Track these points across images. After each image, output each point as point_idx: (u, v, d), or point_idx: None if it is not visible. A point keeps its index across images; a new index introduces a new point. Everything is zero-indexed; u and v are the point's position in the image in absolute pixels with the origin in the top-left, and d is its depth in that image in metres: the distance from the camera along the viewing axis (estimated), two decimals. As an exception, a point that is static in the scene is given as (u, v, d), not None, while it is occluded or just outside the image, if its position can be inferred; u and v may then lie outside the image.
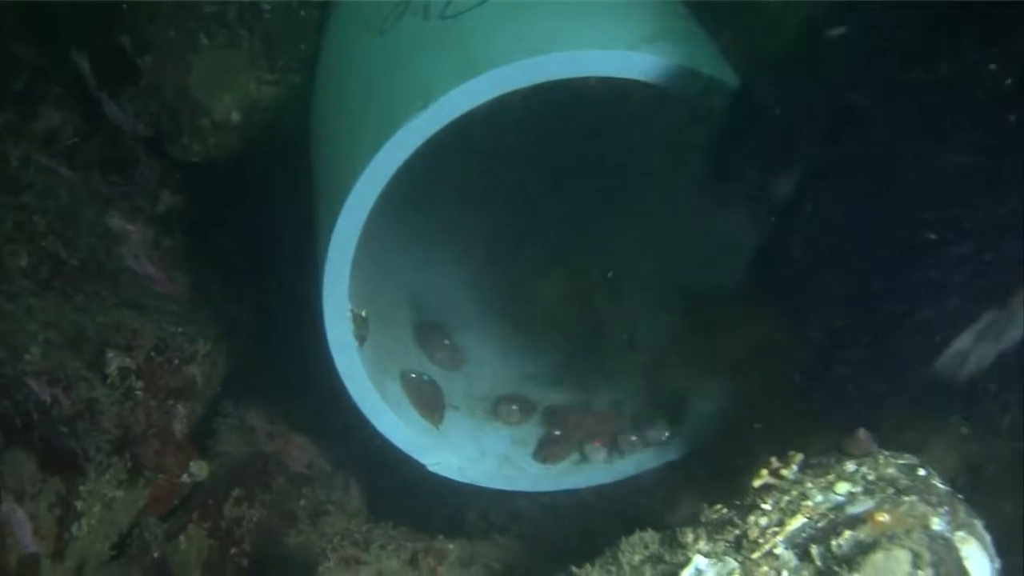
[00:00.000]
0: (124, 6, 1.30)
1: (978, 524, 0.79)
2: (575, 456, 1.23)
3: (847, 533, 0.76)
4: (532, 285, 1.45)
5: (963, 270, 0.82)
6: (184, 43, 1.30)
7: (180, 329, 1.28)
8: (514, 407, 1.27)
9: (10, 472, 1.11)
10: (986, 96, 0.80)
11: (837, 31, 1.04)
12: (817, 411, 1.05)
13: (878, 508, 0.78)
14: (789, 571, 0.77)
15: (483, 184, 1.49)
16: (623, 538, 0.88)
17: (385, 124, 0.98)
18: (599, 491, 1.23)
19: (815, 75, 1.00)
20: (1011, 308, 0.83)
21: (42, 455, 1.13)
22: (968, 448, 1.22)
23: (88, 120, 1.41)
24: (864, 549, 0.74)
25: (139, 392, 1.20)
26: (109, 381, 1.18)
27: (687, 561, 0.81)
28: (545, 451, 1.23)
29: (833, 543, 0.76)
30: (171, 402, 1.24)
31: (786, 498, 0.83)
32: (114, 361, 1.18)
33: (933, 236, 0.82)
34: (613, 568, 0.86)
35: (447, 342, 1.32)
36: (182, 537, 1.18)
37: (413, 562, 1.02)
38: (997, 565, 0.78)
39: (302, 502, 1.25)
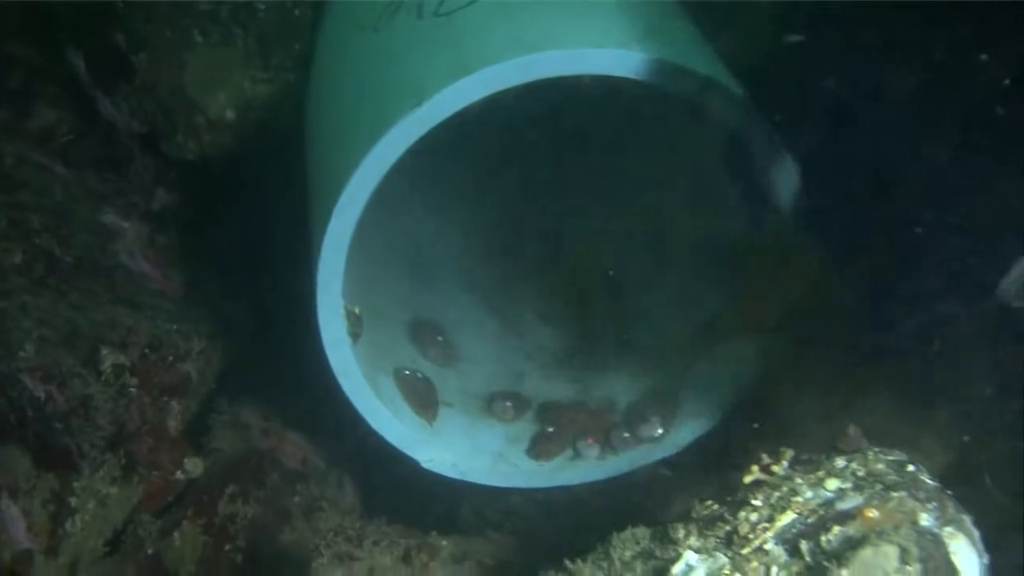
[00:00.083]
0: (119, 5, 1.30)
1: (967, 520, 0.79)
2: (568, 453, 1.23)
3: (836, 529, 0.77)
4: (527, 282, 1.46)
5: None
6: (179, 41, 1.30)
7: (175, 326, 1.28)
8: (508, 404, 1.27)
9: (4, 469, 1.11)
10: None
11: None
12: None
13: (867, 504, 0.78)
14: (779, 566, 0.77)
15: (478, 181, 1.49)
16: (615, 534, 0.89)
17: (378, 122, 0.99)
18: (593, 487, 1.24)
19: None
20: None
21: (36, 452, 1.14)
22: (959, 444, 1.23)
23: (83, 118, 1.42)
24: (853, 545, 0.75)
25: (133, 389, 1.20)
26: (103, 378, 1.18)
27: (678, 556, 0.82)
28: (538, 448, 1.23)
29: (822, 539, 0.77)
30: (165, 399, 1.24)
31: (776, 494, 0.83)
32: (108, 358, 1.18)
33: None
34: (604, 564, 0.87)
35: (441, 339, 1.32)
36: (176, 534, 1.18)
37: (406, 558, 1.02)
38: (986, 560, 0.79)
39: (296, 499, 1.25)
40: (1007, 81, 0.98)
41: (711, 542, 0.82)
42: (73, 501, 1.15)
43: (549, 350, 1.37)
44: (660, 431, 1.22)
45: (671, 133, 1.27)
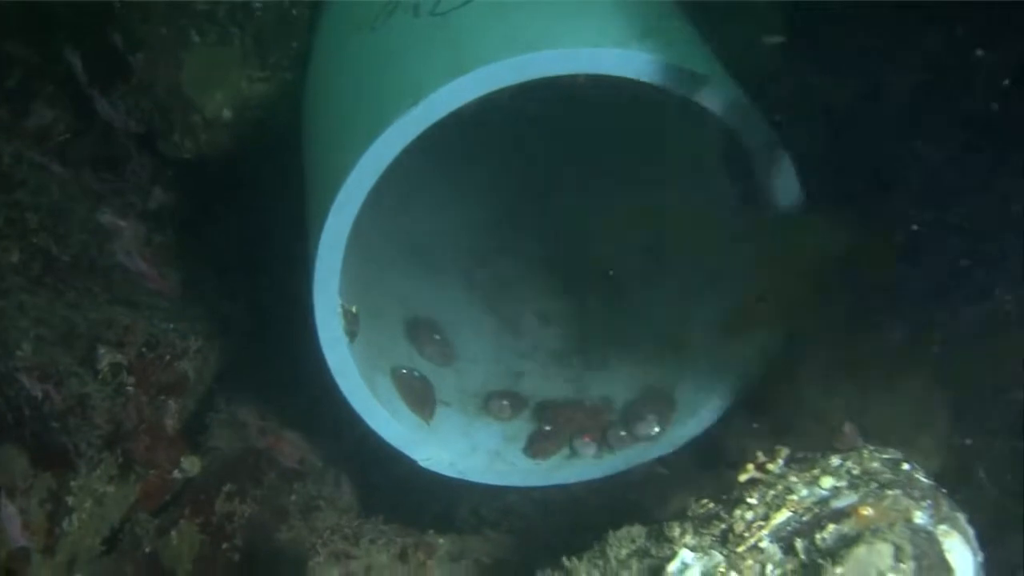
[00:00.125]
0: (117, 4, 1.30)
1: (961, 518, 0.80)
2: (565, 451, 1.24)
3: (831, 527, 0.77)
4: (525, 282, 1.46)
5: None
6: (176, 41, 1.30)
7: (172, 325, 1.28)
8: (505, 403, 1.27)
9: (1, 468, 1.12)
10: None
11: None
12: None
13: (862, 502, 0.78)
14: (774, 564, 0.78)
15: (476, 181, 1.50)
16: (610, 532, 0.89)
17: (375, 121, 0.99)
18: (590, 486, 1.24)
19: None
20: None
21: (33, 451, 1.14)
22: (956, 443, 1.23)
23: (80, 117, 1.42)
24: (847, 542, 0.75)
25: (130, 388, 1.20)
26: (100, 377, 1.18)
27: (673, 555, 0.82)
28: (536, 446, 1.23)
29: (817, 537, 0.77)
30: (162, 398, 1.24)
31: (772, 492, 0.83)
32: (105, 357, 1.19)
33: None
34: (600, 562, 0.87)
35: (438, 338, 1.32)
36: (173, 532, 1.18)
37: (403, 556, 1.02)
38: (980, 558, 0.79)
39: (293, 498, 1.25)
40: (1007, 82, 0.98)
41: (706, 540, 0.82)
42: (70, 500, 1.15)
43: (546, 349, 1.37)
44: (657, 430, 1.22)
45: (669, 132, 1.27)
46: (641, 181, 1.40)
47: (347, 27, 1.20)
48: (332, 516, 1.24)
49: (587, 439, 1.23)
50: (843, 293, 1.06)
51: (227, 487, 1.23)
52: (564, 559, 0.90)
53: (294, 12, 1.31)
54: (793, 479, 0.84)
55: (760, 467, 0.87)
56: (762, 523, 0.81)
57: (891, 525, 0.75)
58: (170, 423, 1.25)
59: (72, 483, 1.15)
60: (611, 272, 1.40)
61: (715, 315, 1.26)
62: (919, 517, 0.77)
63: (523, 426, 1.26)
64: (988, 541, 0.83)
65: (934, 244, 1.22)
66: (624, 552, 0.86)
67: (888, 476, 0.82)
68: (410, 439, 1.17)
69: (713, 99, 1.02)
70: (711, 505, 0.87)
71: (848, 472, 0.83)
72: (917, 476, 0.82)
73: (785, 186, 1.08)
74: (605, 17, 1.04)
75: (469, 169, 1.48)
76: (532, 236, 1.49)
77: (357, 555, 1.02)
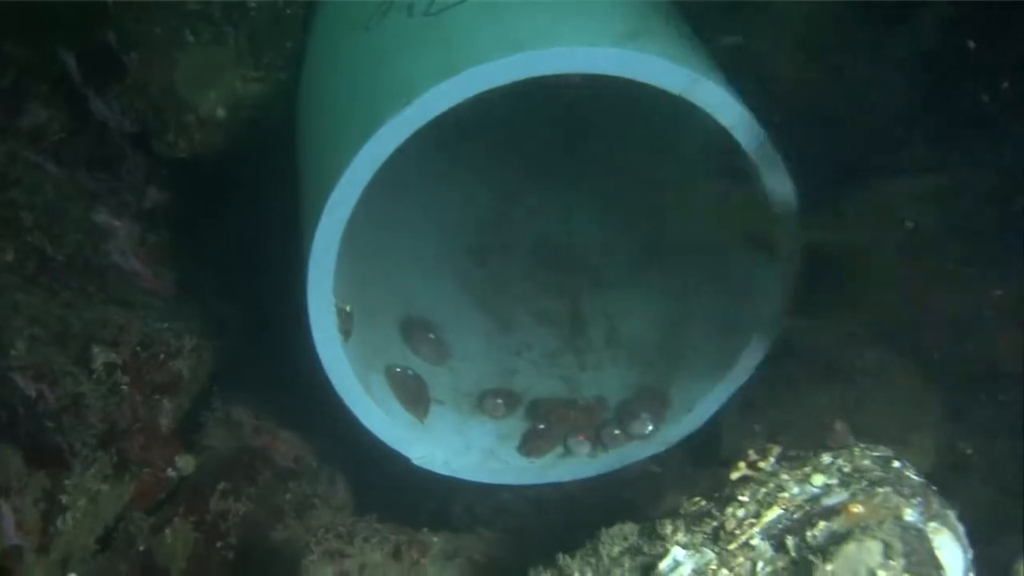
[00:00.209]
0: (110, 4, 1.30)
1: (951, 515, 0.80)
2: (559, 450, 1.24)
3: (822, 524, 0.78)
4: (518, 281, 1.46)
5: None
6: (170, 40, 1.30)
7: (166, 325, 1.28)
8: (499, 401, 1.28)
9: (-5, 467, 1.12)
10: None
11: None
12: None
13: (852, 499, 0.79)
14: (765, 561, 0.78)
15: (469, 180, 1.50)
16: (603, 530, 0.90)
17: (368, 121, 0.99)
18: (583, 484, 1.24)
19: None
20: None
21: (27, 450, 1.14)
22: (949, 440, 1.23)
23: (74, 117, 1.42)
24: (837, 540, 0.75)
25: (125, 387, 1.20)
26: (95, 376, 1.18)
27: (665, 552, 0.82)
28: (529, 445, 1.24)
29: (808, 534, 0.77)
30: (157, 397, 1.24)
31: (763, 490, 0.84)
32: (100, 356, 1.19)
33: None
34: (593, 560, 0.87)
35: (432, 336, 1.33)
36: (168, 531, 1.19)
37: (396, 555, 1.03)
38: (970, 555, 0.79)
39: (288, 496, 1.26)
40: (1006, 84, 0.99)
41: (698, 538, 0.82)
42: (64, 499, 1.15)
43: (540, 348, 1.37)
44: (650, 428, 1.22)
45: (663, 131, 1.27)
46: (636, 180, 1.41)
47: (341, 27, 1.20)
48: (327, 515, 1.24)
49: (581, 437, 1.23)
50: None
51: (222, 486, 1.23)
52: (560, 557, 0.90)
53: (288, 12, 1.31)
54: (785, 477, 0.84)
55: (752, 465, 0.88)
56: (753, 521, 0.81)
57: (881, 522, 0.75)
58: (165, 422, 1.25)
59: (66, 482, 1.15)
60: (603, 272, 1.41)
61: (710, 314, 1.26)
62: (909, 514, 0.77)
63: (517, 424, 1.27)
64: (979, 538, 0.83)
65: (930, 243, 1.23)
66: (616, 550, 0.87)
67: (879, 474, 0.82)
68: (404, 437, 1.17)
69: (706, 98, 1.02)
70: (703, 503, 0.87)
71: (839, 470, 0.83)
72: (908, 474, 0.83)
73: (778, 185, 1.08)
74: (598, 16, 1.05)
75: (464, 168, 1.48)
76: (527, 235, 1.49)
77: (351, 553, 1.02)
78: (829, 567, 0.74)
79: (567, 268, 1.45)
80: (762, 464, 0.87)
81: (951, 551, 0.77)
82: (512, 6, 1.04)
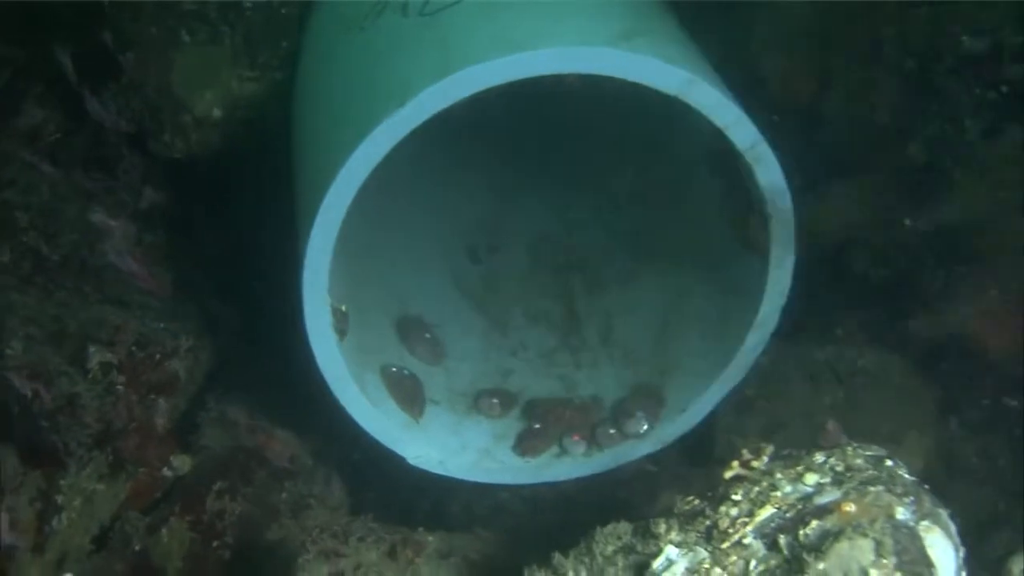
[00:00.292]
0: (106, 4, 1.30)
1: (943, 513, 0.80)
2: (555, 449, 1.24)
3: (814, 523, 0.78)
4: (514, 280, 1.46)
5: None
6: (166, 40, 1.30)
7: (162, 325, 1.28)
8: (494, 401, 1.28)
9: (-9, 467, 1.12)
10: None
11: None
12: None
13: (844, 498, 0.79)
14: (757, 560, 0.78)
15: (465, 179, 1.50)
16: (597, 529, 0.90)
17: (364, 121, 0.99)
18: (579, 483, 1.24)
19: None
20: None
21: (23, 449, 1.14)
22: (942, 439, 1.24)
23: (70, 117, 1.42)
24: (830, 538, 0.75)
25: (120, 387, 1.20)
26: (90, 376, 1.18)
27: (659, 551, 0.83)
28: (525, 444, 1.24)
29: (800, 532, 0.78)
30: (153, 397, 1.24)
31: (756, 489, 0.84)
32: (96, 356, 1.19)
33: None
34: (587, 559, 0.87)
35: (428, 336, 1.33)
36: (164, 530, 1.19)
37: (391, 554, 1.03)
38: (962, 553, 0.80)
39: (284, 496, 1.26)
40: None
41: (692, 537, 0.83)
42: (60, 498, 1.15)
43: (536, 347, 1.37)
44: (645, 427, 1.23)
45: (658, 130, 1.27)
46: (631, 179, 1.41)
47: (337, 27, 1.20)
48: (322, 514, 1.24)
49: (576, 437, 1.23)
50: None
51: (218, 485, 1.23)
52: (556, 556, 0.90)
53: (284, 12, 1.31)
54: (778, 476, 0.85)
55: (745, 464, 0.88)
56: (747, 519, 0.81)
57: (873, 521, 0.76)
58: (160, 422, 1.25)
59: (62, 482, 1.15)
60: (598, 270, 1.41)
61: (704, 313, 1.26)
62: (901, 513, 0.77)
63: (512, 424, 1.27)
64: (971, 536, 0.83)
65: (926, 244, 1.23)
66: (610, 549, 0.87)
67: (871, 472, 0.82)
68: (400, 437, 1.18)
69: (701, 99, 1.02)
70: (697, 502, 0.87)
71: (832, 469, 0.84)
72: (900, 472, 0.83)
73: (771, 183, 1.08)
74: (593, 17, 1.05)
75: (460, 168, 1.48)
76: (522, 235, 1.49)
77: (346, 553, 1.02)
78: (821, 565, 0.74)
79: (563, 268, 1.45)
80: (756, 463, 0.87)
81: (943, 549, 0.77)
82: (508, 6, 1.04)
